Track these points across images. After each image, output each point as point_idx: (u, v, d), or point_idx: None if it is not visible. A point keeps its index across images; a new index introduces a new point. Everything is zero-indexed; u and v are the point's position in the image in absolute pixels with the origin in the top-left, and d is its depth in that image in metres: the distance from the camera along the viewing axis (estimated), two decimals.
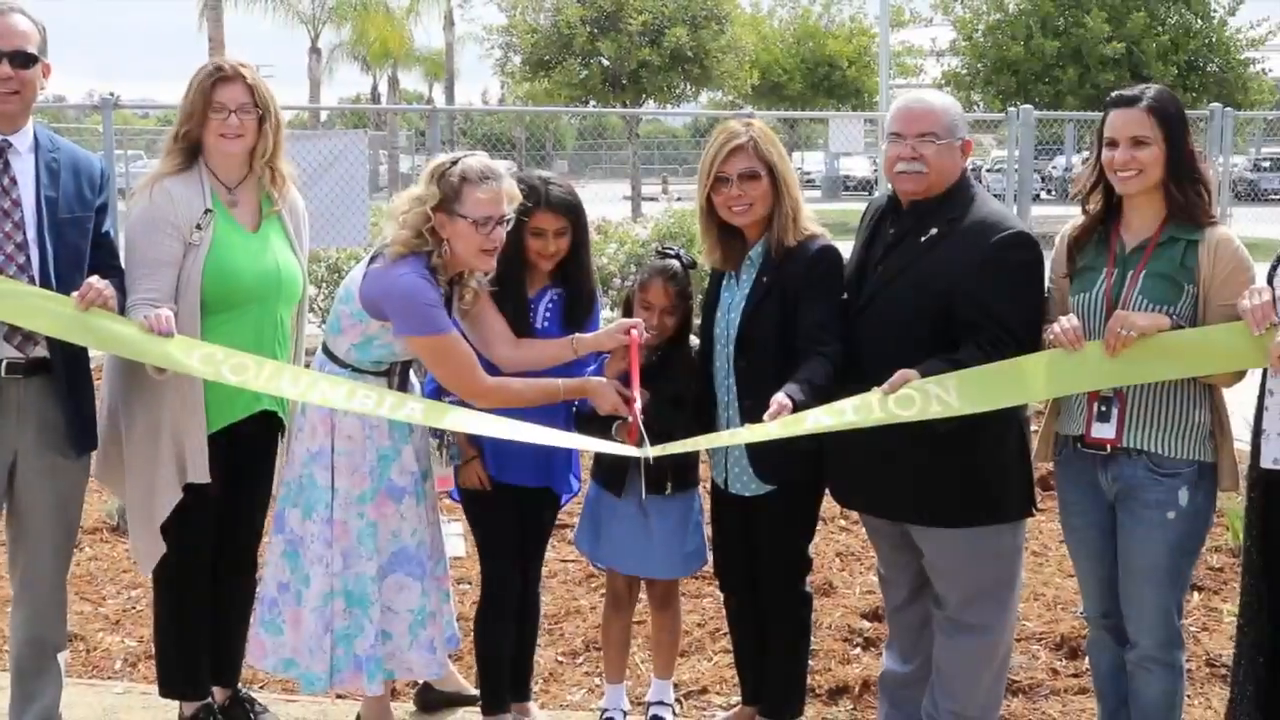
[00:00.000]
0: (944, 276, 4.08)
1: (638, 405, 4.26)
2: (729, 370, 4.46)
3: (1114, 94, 4.12)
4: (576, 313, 4.63)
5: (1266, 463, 3.90)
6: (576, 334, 4.50)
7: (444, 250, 4.26)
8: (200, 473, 4.45)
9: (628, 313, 4.72)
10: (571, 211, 4.53)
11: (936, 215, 4.18)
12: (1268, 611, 3.97)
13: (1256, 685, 4.00)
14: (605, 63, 31.04)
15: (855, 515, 7.11)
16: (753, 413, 4.24)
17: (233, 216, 4.51)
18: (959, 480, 4.15)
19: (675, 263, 4.62)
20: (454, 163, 4.26)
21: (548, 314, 4.62)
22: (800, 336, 4.28)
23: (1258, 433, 3.94)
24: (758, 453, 4.39)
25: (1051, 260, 4.25)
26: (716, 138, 4.44)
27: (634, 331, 4.39)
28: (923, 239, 4.17)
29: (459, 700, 5.03)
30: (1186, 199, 3.96)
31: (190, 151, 4.47)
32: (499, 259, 4.39)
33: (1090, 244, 4.14)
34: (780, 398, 4.03)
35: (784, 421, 3.96)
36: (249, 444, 4.65)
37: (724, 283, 4.56)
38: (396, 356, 4.39)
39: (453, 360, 4.27)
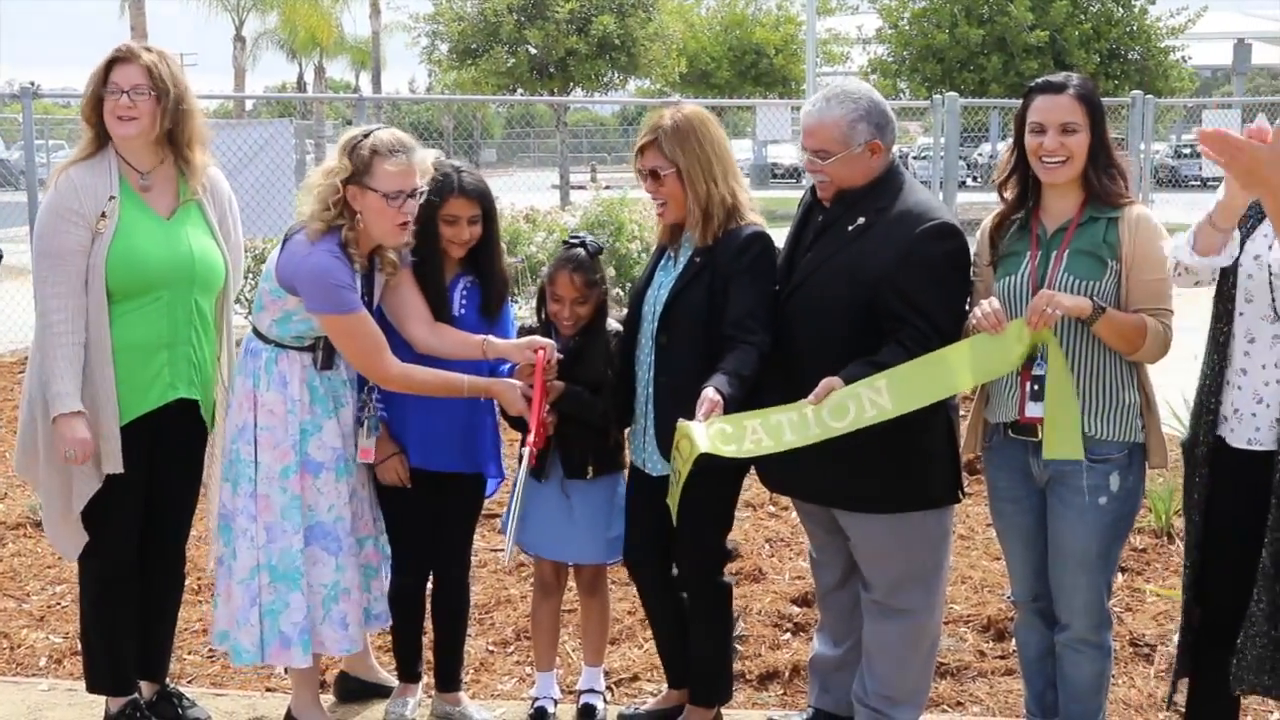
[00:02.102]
0: (869, 267, 4.10)
1: (536, 426, 4.37)
2: (651, 347, 4.47)
3: (1038, 80, 4.14)
4: (490, 298, 4.66)
5: (1239, 443, 3.92)
6: (489, 337, 4.52)
7: (356, 223, 4.27)
8: (113, 463, 4.41)
9: (542, 304, 4.74)
10: (483, 198, 4.55)
11: (864, 205, 4.20)
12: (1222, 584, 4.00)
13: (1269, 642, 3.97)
14: (532, 51, 31.04)
15: (785, 501, 7.17)
16: (667, 390, 4.32)
17: (145, 203, 4.46)
18: (885, 466, 4.16)
19: (580, 251, 4.63)
20: (365, 135, 4.28)
21: (463, 300, 4.64)
22: (728, 324, 4.28)
23: (1211, 410, 3.95)
24: (666, 436, 4.36)
25: (975, 251, 4.28)
26: (644, 124, 4.46)
27: (541, 353, 4.43)
28: (850, 228, 4.19)
29: (379, 691, 5.02)
30: (1103, 184, 4.01)
31: (98, 137, 4.43)
32: (417, 251, 4.47)
33: (1011, 231, 4.18)
34: (710, 394, 4.04)
35: (717, 435, 3.97)
36: (172, 434, 4.59)
37: (662, 261, 4.58)
38: (317, 332, 4.39)
39: (358, 340, 4.31)
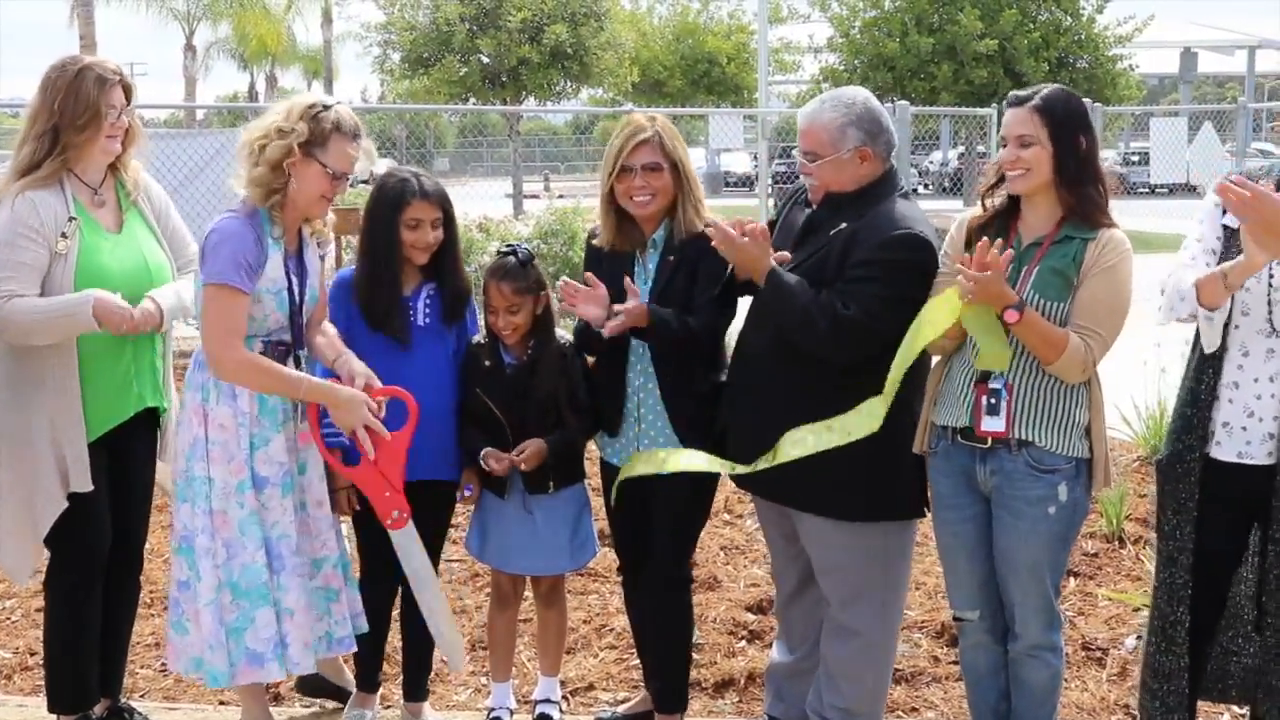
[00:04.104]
0: (834, 264, 4.12)
1: (376, 496, 4.40)
2: (644, 353, 4.51)
3: (1010, 94, 4.13)
4: (455, 305, 4.64)
5: (1227, 456, 3.94)
6: (344, 354, 4.45)
7: (289, 187, 4.23)
8: (82, 481, 4.38)
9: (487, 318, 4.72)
10: (444, 201, 4.56)
11: (848, 210, 4.20)
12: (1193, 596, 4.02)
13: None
14: (485, 60, 30.94)
15: (740, 510, 7.23)
16: (672, 392, 4.48)
17: (97, 220, 4.44)
18: (844, 471, 4.14)
19: (510, 259, 4.61)
20: (326, 107, 4.25)
21: (428, 309, 4.61)
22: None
23: (1199, 425, 3.95)
24: (677, 415, 4.50)
25: (945, 243, 4.23)
26: (623, 130, 4.50)
27: (366, 389, 4.33)
28: (832, 232, 4.19)
29: (337, 693, 5.01)
30: (1080, 200, 3.95)
31: (55, 155, 4.35)
32: (371, 258, 4.50)
33: (990, 233, 4.10)
34: (633, 305, 4.32)
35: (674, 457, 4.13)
36: (129, 443, 4.58)
37: (633, 268, 4.57)
38: (260, 335, 4.30)
39: (216, 313, 4.19)
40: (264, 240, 4.24)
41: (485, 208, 15.59)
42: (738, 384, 4.43)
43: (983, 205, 4.18)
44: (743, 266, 4.21)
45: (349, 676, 5.05)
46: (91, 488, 4.39)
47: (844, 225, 4.17)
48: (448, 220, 4.58)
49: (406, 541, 4.47)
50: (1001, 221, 4.13)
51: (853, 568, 4.30)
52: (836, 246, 4.14)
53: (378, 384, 4.35)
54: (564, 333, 4.73)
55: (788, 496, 4.36)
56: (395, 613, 4.89)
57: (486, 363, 4.63)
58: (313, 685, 5.03)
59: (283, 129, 4.19)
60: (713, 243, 4.18)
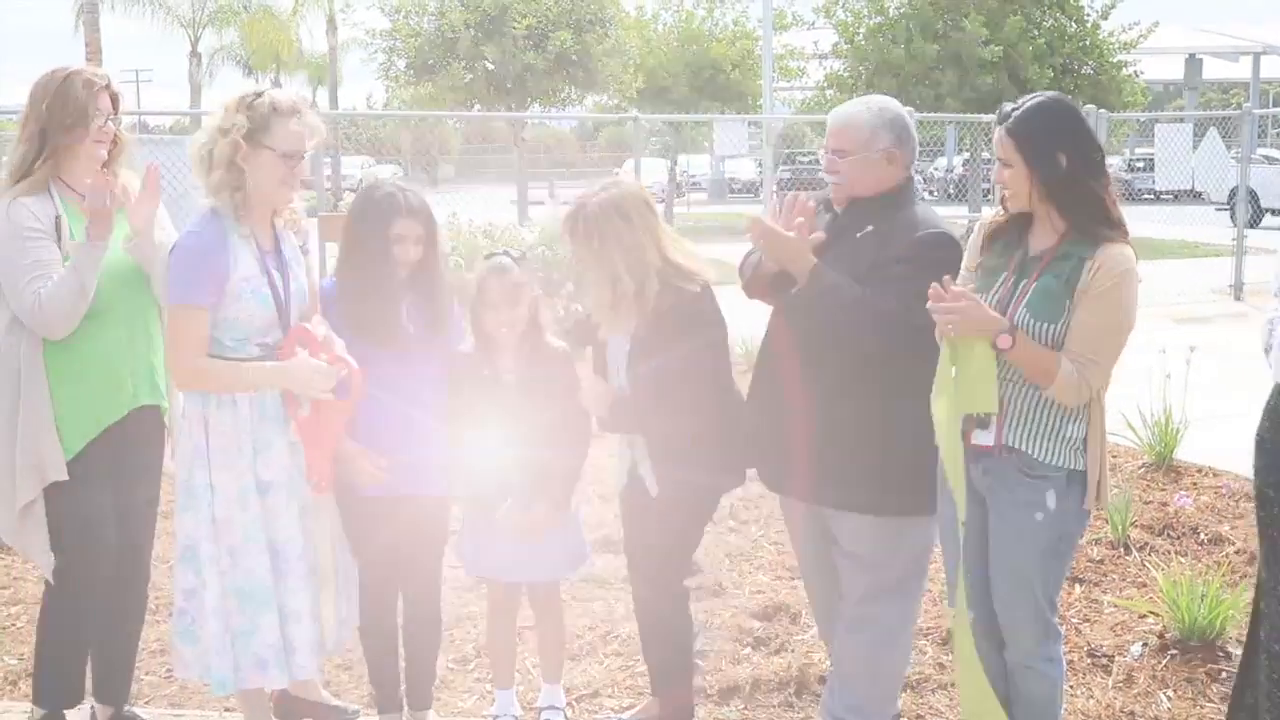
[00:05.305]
0: (863, 264, 4.13)
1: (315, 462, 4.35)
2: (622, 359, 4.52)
3: (999, 109, 4.08)
4: (439, 315, 4.59)
5: None
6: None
7: (245, 182, 4.22)
8: (59, 470, 4.38)
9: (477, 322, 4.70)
10: (428, 220, 4.53)
11: (873, 214, 4.24)
12: None
13: None
14: (490, 67, 31.02)
15: (745, 517, 7.22)
16: (652, 446, 4.48)
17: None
18: (874, 467, 4.18)
19: (504, 259, 4.63)
20: (258, 95, 4.24)
21: (411, 319, 4.56)
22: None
23: None
24: (659, 454, 4.50)
25: (968, 249, 4.23)
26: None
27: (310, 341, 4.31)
28: (858, 235, 4.23)
29: (316, 711, 4.94)
30: (1073, 216, 3.90)
31: (46, 161, 4.40)
32: (362, 270, 4.46)
33: (1001, 241, 4.11)
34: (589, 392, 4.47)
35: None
36: (133, 443, 4.58)
37: None
38: (255, 334, 4.29)
39: (174, 330, 4.26)
40: (227, 241, 4.23)
41: (490, 214, 15.59)
42: (765, 383, 4.44)
43: (1003, 208, 4.13)
44: (782, 262, 4.22)
45: (325, 693, 5.02)
46: (66, 476, 4.38)
47: (869, 228, 4.21)
48: (431, 234, 4.53)
49: (324, 504, 4.46)
50: (1019, 227, 4.09)
51: (883, 561, 4.32)
52: (865, 248, 4.18)
53: (336, 349, 4.30)
54: (557, 341, 4.73)
55: (819, 496, 4.37)
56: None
57: (485, 371, 4.62)
58: (289, 707, 4.94)
59: (223, 127, 4.20)
60: (752, 239, 4.23)
